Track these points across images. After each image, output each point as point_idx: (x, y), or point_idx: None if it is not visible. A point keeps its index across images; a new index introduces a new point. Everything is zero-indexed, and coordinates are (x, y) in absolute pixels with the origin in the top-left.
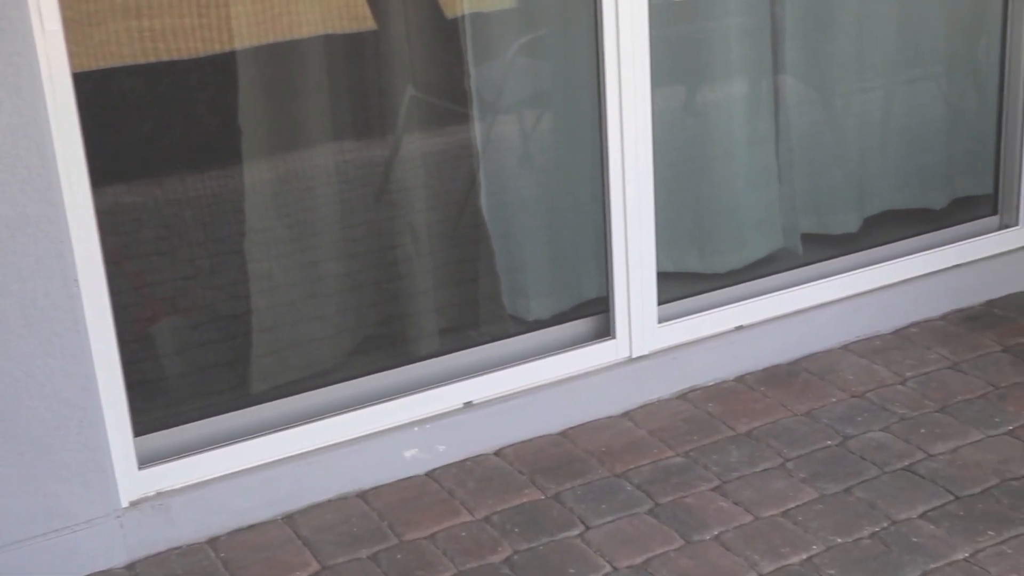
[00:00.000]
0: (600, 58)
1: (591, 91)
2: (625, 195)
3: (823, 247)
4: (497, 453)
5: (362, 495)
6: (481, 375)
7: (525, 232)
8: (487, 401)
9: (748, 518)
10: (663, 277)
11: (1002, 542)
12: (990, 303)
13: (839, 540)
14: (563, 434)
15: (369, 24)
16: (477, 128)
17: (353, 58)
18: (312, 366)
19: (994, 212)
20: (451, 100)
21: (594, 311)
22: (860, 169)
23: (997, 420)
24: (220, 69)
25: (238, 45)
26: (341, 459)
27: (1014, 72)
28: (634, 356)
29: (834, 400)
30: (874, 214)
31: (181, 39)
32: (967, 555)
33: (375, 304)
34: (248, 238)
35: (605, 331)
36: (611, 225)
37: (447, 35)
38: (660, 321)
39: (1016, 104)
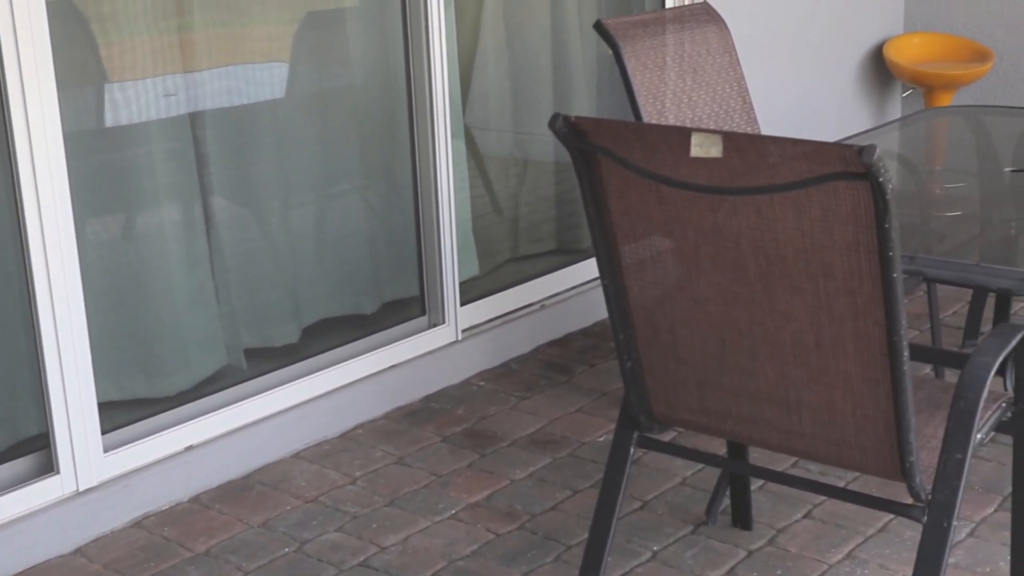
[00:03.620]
0: (17, 190)
1: (11, 224)
2: (57, 328)
3: (267, 360)
4: None
5: None
6: None
7: None
8: None
9: None
10: (109, 405)
11: None
12: (427, 398)
13: None
14: None
15: None
16: None
17: None
18: None
19: (423, 312)
20: None
21: (36, 447)
22: (295, 281)
23: (441, 506)
24: None
25: None
26: None
27: (425, 184)
28: (81, 489)
29: (289, 508)
30: (312, 323)
31: None
32: None
33: None
34: None
35: (48, 467)
36: (44, 359)
37: None
38: (106, 450)
39: (430, 212)
